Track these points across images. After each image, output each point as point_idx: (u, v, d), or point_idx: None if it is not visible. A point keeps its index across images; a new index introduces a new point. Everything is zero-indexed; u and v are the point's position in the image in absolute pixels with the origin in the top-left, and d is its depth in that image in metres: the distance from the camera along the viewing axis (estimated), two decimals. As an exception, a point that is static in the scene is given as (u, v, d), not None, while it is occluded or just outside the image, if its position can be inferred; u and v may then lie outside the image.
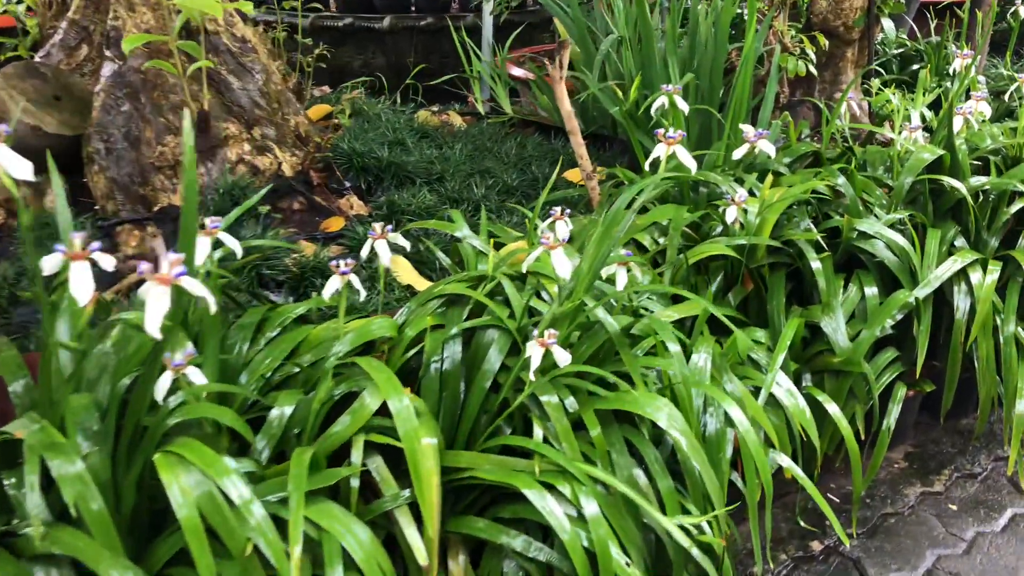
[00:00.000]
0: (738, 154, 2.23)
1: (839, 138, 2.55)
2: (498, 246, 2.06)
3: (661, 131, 1.52)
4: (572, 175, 2.71)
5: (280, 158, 2.22)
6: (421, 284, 1.92)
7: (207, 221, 1.32)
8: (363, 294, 1.46)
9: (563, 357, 1.41)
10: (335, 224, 2.16)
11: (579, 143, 2.16)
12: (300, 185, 2.19)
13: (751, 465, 1.62)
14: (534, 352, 1.41)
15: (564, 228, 1.79)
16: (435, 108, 3.26)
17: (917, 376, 2.15)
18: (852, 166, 2.26)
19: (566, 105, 2.13)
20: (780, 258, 2.07)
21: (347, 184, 2.28)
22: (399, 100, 3.19)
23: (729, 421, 1.69)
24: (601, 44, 2.64)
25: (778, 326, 2.01)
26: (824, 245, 2.07)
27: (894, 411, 2.09)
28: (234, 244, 1.35)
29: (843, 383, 2.04)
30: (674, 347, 1.48)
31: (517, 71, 3.30)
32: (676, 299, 2.01)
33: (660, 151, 1.54)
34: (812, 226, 2.12)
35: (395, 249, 1.61)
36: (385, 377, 1.34)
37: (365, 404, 1.37)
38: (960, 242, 2.29)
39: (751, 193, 2.23)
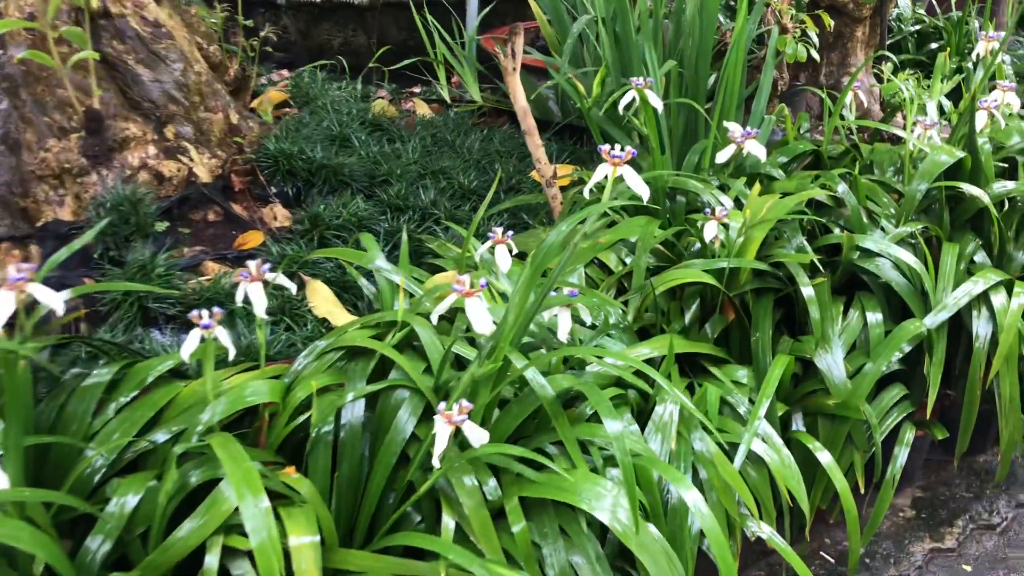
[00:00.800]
0: (722, 157, 1.92)
1: (843, 132, 2.23)
2: (437, 270, 1.76)
3: (605, 148, 1.21)
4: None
5: (195, 161, 1.92)
6: (340, 317, 1.63)
7: (11, 270, 1.02)
8: (232, 352, 1.16)
9: (478, 436, 1.12)
10: (253, 239, 1.86)
11: (536, 144, 1.85)
12: (217, 193, 1.90)
13: (717, 548, 1.32)
14: (440, 430, 1.12)
15: (505, 257, 1.49)
16: (399, 93, 2.94)
17: (928, 416, 1.84)
18: (856, 170, 1.95)
19: (520, 100, 1.82)
20: (767, 282, 1.76)
21: (272, 191, 1.98)
22: (367, 83, 2.89)
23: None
24: (573, 25, 2.32)
25: (763, 364, 1.71)
26: (820, 266, 1.76)
27: (900, 456, 1.79)
28: (51, 300, 1.05)
29: (840, 429, 1.74)
30: (613, 425, 1.17)
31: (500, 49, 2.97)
32: (645, 332, 1.71)
33: (603, 172, 1.23)
34: (806, 244, 1.81)
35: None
36: (240, 470, 1.05)
37: (222, 499, 1.08)
38: (981, 257, 1.98)
39: (737, 203, 1.92)
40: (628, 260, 1.83)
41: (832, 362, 1.73)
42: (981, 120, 1.97)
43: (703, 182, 1.91)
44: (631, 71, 2.21)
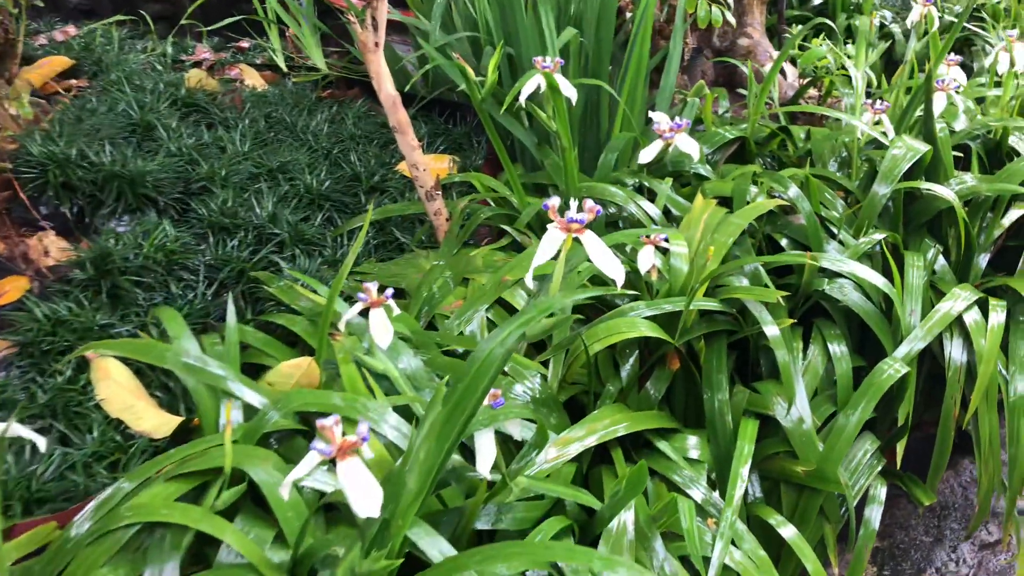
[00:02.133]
0: (646, 156, 1.51)
1: (764, 112, 1.86)
2: (280, 334, 1.27)
3: (552, 204, 0.77)
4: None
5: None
6: (145, 415, 1.12)
7: None
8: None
9: None
10: (12, 290, 1.30)
11: (411, 146, 1.38)
12: (-47, 221, 1.31)
13: None
14: None
15: (383, 326, 1.03)
16: (221, 60, 2.35)
17: (898, 465, 1.53)
18: (806, 169, 1.58)
19: (387, 87, 1.34)
20: (718, 324, 1.38)
21: (42, 212, 1.41)
22: (181, 43, 2.28)
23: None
24: (443, -21, 1.83)
25: (721, 431, 1.33)
26: (780, 300, 1.39)
27: (873, 518, 1.47)
28: None
29: (811, 501, 1.40)
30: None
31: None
32: (573, 406, 1.29)
33: (552, 245, 0.77)
34: (762, 271, 1.43)
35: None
36: None
37: None
38: (940, 265, 1.67)
39: (668, 215, 1.52)
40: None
41: (798, 421, 1.37)
42: (939, 104, 1.64)
43: (626, 190, 1.50)
44: (518, 38, 1.75)
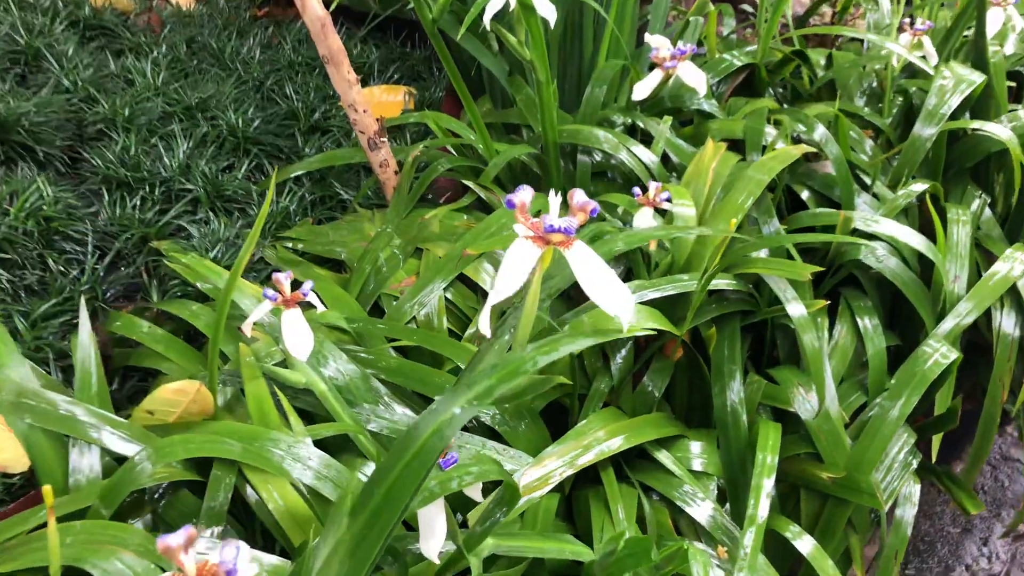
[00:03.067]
0: (642, 91, 1.23)
1: (769, 25, 1.57)
2: (183, 329, 1.00)
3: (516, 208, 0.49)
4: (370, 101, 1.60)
5: None
6: (16, 458, 0.85)
7: None
8: None
9: None
10: None
11: (346, 80, 1.09)
12: None
13: None
14: None
15: (300, 332, 0.77)
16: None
17: (933, 459, 1.30)
18: (835, 105, 1.31)
19: (312, 5, 1.03)
20: (729, 305, 1.12)
21: None
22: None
23: None
24: None
25: (734, 437, 1.09)
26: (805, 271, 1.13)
27: (905, 519, 1.24)
28: None
29: (837, 512, 1.16)
30: None
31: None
32: (554, 413, 1.04)
33: (512, 280, 0.49)
34: (782, 231, 1.16)
35: None
36: None
37: None
38: (986, 217, 1.42)
39: (664, 161, 1.24)
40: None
41: (823, 417, 1.13)
42: (994, 22, 1.36)
43: (616, 132, 1.22)
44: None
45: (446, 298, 1.10)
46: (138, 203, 1.24)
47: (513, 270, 0.45)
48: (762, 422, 1.08)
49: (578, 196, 0.47)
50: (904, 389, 1.15)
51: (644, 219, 1.05)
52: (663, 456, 1.05)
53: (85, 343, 0.81)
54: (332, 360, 0.92)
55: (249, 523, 0.80)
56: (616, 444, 0.98)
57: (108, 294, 1.13)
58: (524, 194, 0.47)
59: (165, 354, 0.95)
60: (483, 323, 0.47)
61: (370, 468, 0.89)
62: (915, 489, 1.26)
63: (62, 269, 1.12)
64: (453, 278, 1.08)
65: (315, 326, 1.00)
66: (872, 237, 1.24)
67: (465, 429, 0.96)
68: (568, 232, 0.45)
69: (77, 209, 1.17)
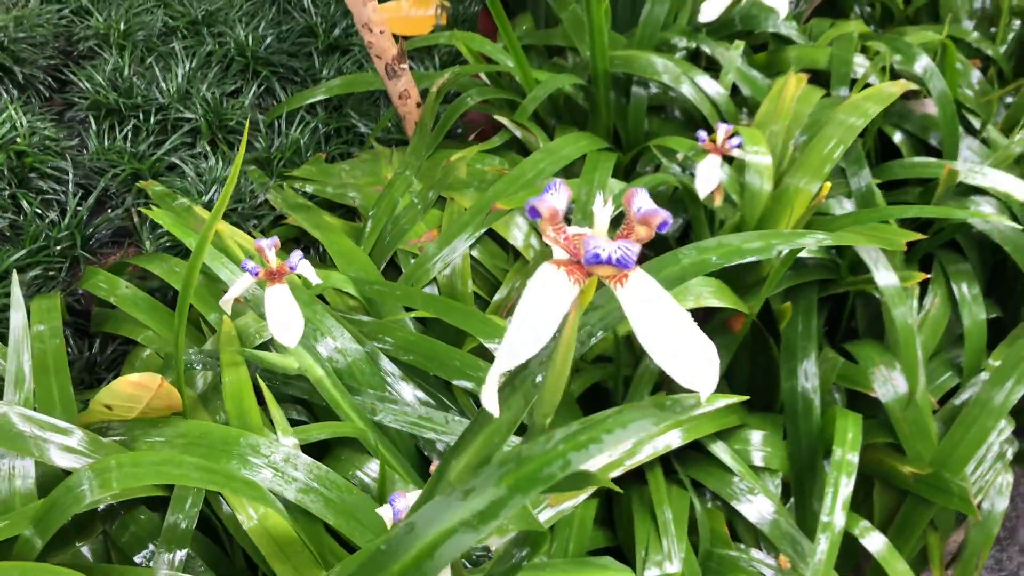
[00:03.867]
0: (711, 12, 1.04)
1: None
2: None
3: None
4: (397, 15, 1.41)
5: None
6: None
7: None
8: None
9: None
10: None
11: (366, 5, 0.91)
12: None
13: None
14: None
15: (289, 322, 0.63)
16: None
17: (1028, 446, 1.14)
18: (943, 30, 1.09)
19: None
20: (806, 275, 0.94)
21: None
22: None
23: None
24: None
25: (805, 426, 0.93)
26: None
27: (995, 512, 1.09)
28: None
29: (914, 511, 1.01)
30: None
31: None
32: (595, 398, 0.89)
33: (537, 326, 0.33)
34: (874, 187, 0.98)
35: None
36: None
37: None
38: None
39: (735, 94, 1.06)
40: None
41: (906, 401, 0.97)
42: None
43: (677, 60, 1.03)
44: None
45: (472, 257, 0.94)
46: (129, 134, 1.09)
47: (537, 316, 0.29)
48: (839, 411, 0.92)
49: (639, 198, 0.31)
50: (1012, 372, 0.97)
51: (710, 169, 0.88)
52: (719, 449, 0.90)
53: (17, 329, 0.67)
54: (332, 337, 0.78)
55: (228, 541, 0.67)
56: (671, 440, 0.83)
57: (92, 240, 1.00)
58: (555, 198, 0.31)
59: (144, 321, 0.82)
60: (488, 396, 0.32)
61: (374, 467, 0.76)
62: (1007, 479, 1.10)
63: (38, 212, 0.98)
64: (481, 234, 0.93)
65: (319, 289, 0.86)
66: (977, 191, 1.05)
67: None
68: (624, 265, 0.29)
69: (57, 142, 1.03)
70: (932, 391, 1.04)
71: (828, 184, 0.72)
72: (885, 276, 0.92)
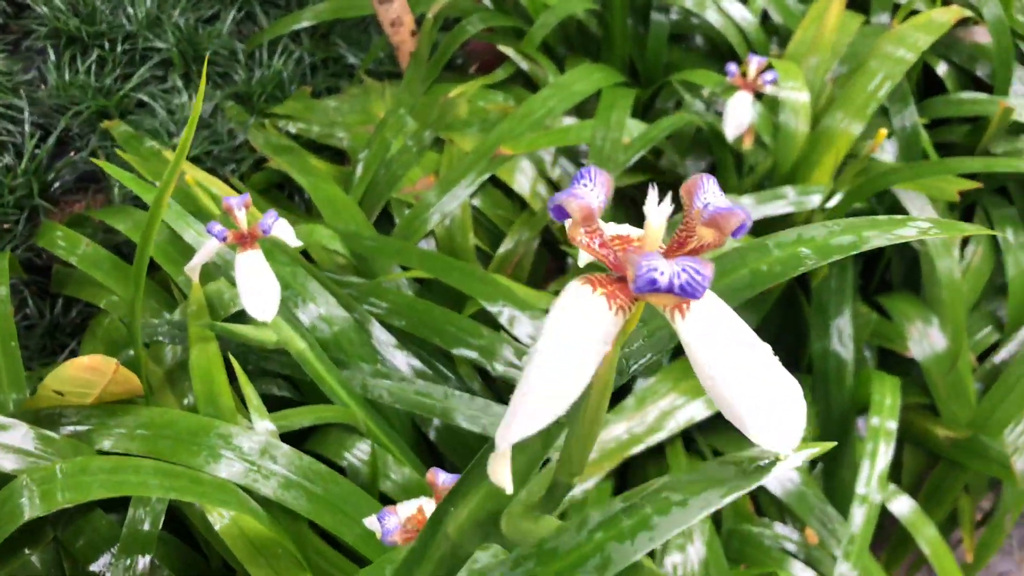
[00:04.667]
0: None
1: None
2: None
3: None
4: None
5: None
6: None
7: None
8: None
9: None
10: None
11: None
12: None
13: None
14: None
15: (264, 294, 0.54)
16: None
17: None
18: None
19: None
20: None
21: None
22: None
23: None
24: None
25: (836, 389, 0.86)
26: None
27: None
28: None
29: (947, 476, 0.95)
30: None
31: None
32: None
33: (560, 373, 0.25)
34: (920, 128, 0.88)
35: None
36: None
37: None
38: None
39: (767, 26, 0.95)
40: (556, 170, 0.87)
41: (945, 359, 0.89)
42: None
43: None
44: None
45: (473, 207, 0.85)
46: (93, 66, 0.98)
47: (565, 359, 0.21)
48: (876, 375, 0.84)
49: (707, 190, 0.22)
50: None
51: (740, 108, 0.78)
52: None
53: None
54: (316, 303, 0.69)
55: (203, 539, 0.60)
56: (697, 412, 0.75)
57: (54, 187, 0.90)
58: (590, 192, 0.22)
59: (107, 284, 0.73)
60: (497, 470, 0.23)
61: (365, 447, 0.68)
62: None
63: (-8, 155, 0.88)
64: (483, 181, 0.83)
65: (306, 242, 0.77)
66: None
67: (470, 391, 0.75)
68: (693, 294, 0.20)
69: (11, 76, 0.92)
70: (971, 347, 0.96)
71: (884, 131, 0.63)
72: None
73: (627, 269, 0.22)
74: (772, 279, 0.31)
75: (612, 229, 0.25)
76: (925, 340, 0.92)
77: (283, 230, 0.62)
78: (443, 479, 0.47)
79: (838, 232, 0.31)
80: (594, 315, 0.22)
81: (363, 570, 0.46)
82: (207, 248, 0.60)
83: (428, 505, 0.46)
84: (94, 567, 0.55)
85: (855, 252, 0.30)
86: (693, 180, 0.24)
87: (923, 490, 0.99)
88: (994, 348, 0.98)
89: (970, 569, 1.01)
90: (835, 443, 0.31)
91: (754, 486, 0.27)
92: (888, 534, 1.01)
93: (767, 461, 0.27)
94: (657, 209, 0.24)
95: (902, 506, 0.91)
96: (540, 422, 0.22)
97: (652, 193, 0.23)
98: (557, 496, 0.27)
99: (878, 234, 0.31)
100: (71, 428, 0.57)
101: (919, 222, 0.31)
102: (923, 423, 0.94)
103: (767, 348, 0.24)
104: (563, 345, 0.22)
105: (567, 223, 0.23)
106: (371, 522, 0.51)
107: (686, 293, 0.21)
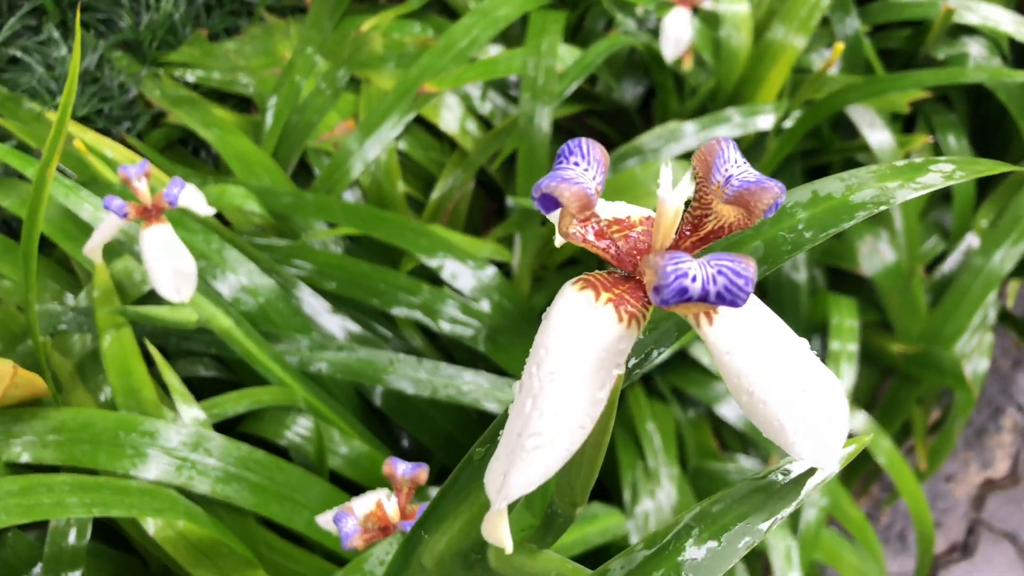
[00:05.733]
0: None
1: None
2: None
3: None
4: None
5: None
6: None
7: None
8: None
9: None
10: None
11: None
12: None
13: None
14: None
15: (177, 276, 0.48)
16: None
17: (1010, 305, 1.08)
18: None
19: None
20: (785, 146, 0.82)
21: None
22: None
23: None
24: None
25: (792, 320, 0.84)
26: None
27: (976, 376, 1.02)
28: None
29: (901, 390, 0.95)
30: None
31: None
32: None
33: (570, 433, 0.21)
34: (865, 42, 0.84)
35: None
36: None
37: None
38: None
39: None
40: (486, 106, 0.81)
41: (895, 272, 0.88)
42: None
43: None
44: None
45: (399, 151, 0.79)
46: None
47: (572, 390, 0.16)
48: (831, 297, 0.83)
49: (727, 157, 0.17)
50: (1009, 233, 0.88)
51: (678, 24, 0.73)
52: (700, 351, 0.80)
53: None
54: (236, 272, 0.63)
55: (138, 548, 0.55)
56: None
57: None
58: (585, 173, 0.16)
59: (-4, 266, 0.65)
60: (492, 529, 0.19)
61: (305, 424, 0.63)
62: (988, 339, 1.03)
63: None
64: (407, 122, 0.77)
65: (217, 204, 0.70)
66: (967, 31, 0.92)
67: (415, 352, 0.70)
68: (733, 302, 0.15)
69: None
70: (921, 256, 0.95)
71: (840, 46, 0.58)
72: (880, 137, 0.80)
73: (645, 273, 0.17)
74: (793, 249, 0.26)
75: (605, 210, 0.20)
76: (875, 254, 0.90)
77: (192, 198, 0.55)
78: (402, 470, 0.42)
79: (857, 187, 0.26)
80: (601, 331, 0.18)
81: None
82: (106, 226, 0.53)
83: (387, 501, 0.42)
84: (17, 590, 0.49)
85: (881, 209, 0.26)
86: (710, 146, 0.19)
87: (879, 406, 0.99)
88: (941, 258, 0.98)
89: (922, 475, 1.02)
90: (869, 437, 0.27)
91: (793, 507, 0.23)
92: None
93: (793, 475, 0.22)
94: (673, 192, 0.19)
95: (857, 422, 0.90)
96: (544, 473, 0.17)
97: (665, 170, 0.18)
98: (556, 528, 0.23)
99: (901, 184, 0.26)
100: (-30, 441, 0.50)
101: (941, 164, 0.27)
102: (877, 339, 0.93)
103: (804, 345, 0.20)
104: (566, 376, 0.17)
105: (555, 215, 0.18)
106: (325, 520, 0.46)
107: (724, 302, 0.16)
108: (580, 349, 0.18)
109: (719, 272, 0.16)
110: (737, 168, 0.19)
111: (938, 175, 0.26)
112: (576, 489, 0.22)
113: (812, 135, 0.82)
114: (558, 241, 0.23)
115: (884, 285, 0.89)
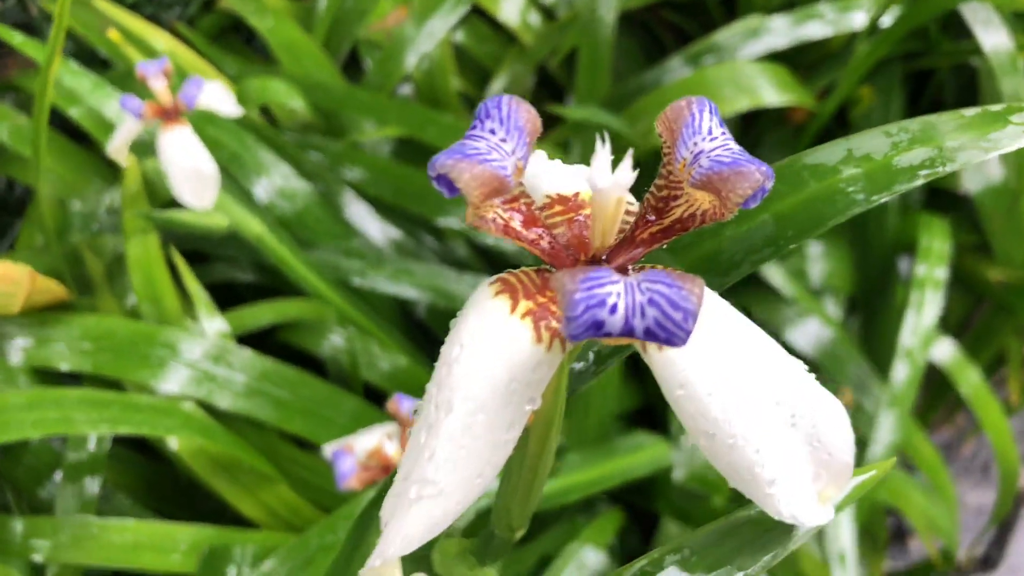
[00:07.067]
0: None
1: None
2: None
3: None
4: None
5: None
6: None
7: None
8: None
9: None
10: None
11: None
12: None
13: None
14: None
15: (198, 182, 0.46)
16: None
17: None
18: None
19: None
20: (881, 47, 0.72)
21: None
22: None
23: None
24: None
25: (875, 237, 0.77)
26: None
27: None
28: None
29: (997, 320, 0.87)
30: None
31: None
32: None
33: None
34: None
35: None
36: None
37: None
38: None
39: None
40: (553, -6, 0.75)
41: (1002, 191, 0.79)
42: None
43: None
44: None
45: (454, 44, 0.73)
46: None
47: (470, 427, 0.13)
48: (922, 217, 0.75)
49: (698, 129, 0.13)
50: None
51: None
52: (770, 269, 0.74)
53: None
54: (270, 176, 0.60)
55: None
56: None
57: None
58: (500, 146, 0.12)
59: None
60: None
61: (342, 334, 0.61)
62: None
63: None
64: (464, 12, 0.71)
65: (259, 100, 0.66)
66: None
67: (459, 263, 0.66)
68: (668, 338, 0.11)
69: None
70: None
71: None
72: (995, 39, 0.71)
73: (556, 295, 0.13)
74: (806, 229, 0.21)
75: (550, 181, 0.16)
76: (980, 172, 0.81)
77: (215, 97, 0.51)
78: (407, 407, 0.40)
79: (905, 145, 0.20)
80: (511, 354, 0.14)
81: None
82: (126, 128, 0.50)
83: (388, 442, 0.39)
84: (43, 494, 0.49)
85: (933, 178, 0.20)
86: (676, 109, 0.14)
87: (969, 335, 0.91)
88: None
89: (1012, 408, 0.95)
90: (893, 460, 0.22)
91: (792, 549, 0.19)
92: (928, 378, 0.95)
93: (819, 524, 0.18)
94: (610, 176, 0.14)
95: (943, 350, 0.84)
96: (429, 529, 0.14)
97: (602, 148, 0.14)
98: (494, 549, 0.20)
99: (967, 142, 0.21)
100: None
101: (1015, 115, 0.21)
102: (973, 263, 0.85)
103: (798, 368, 0.15)
104: (464, 411, 0.14)
105: (471, 208, 0.14)
106: (328, 452, 0.44)
107: (656, 339, 0.12)
108: (483, 377, 0.14)
109: (649, 302, 0.12)
110: (710, 142, 0.14)
111: (1020, 129, 0.20)
112: (513, 512, 0.19)
113: (916, 35, 0.73)
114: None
115: (987, 205, 0.80)
